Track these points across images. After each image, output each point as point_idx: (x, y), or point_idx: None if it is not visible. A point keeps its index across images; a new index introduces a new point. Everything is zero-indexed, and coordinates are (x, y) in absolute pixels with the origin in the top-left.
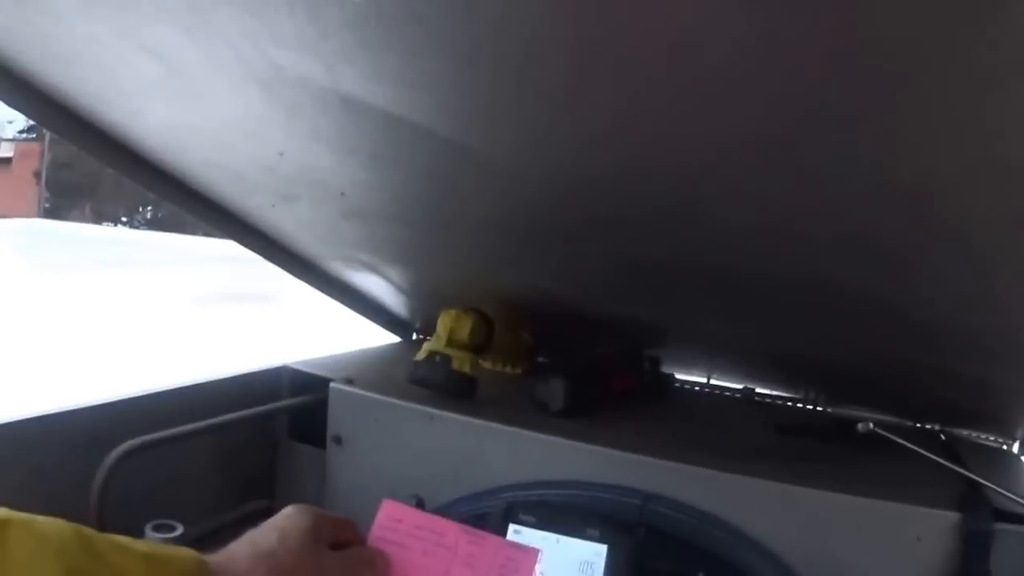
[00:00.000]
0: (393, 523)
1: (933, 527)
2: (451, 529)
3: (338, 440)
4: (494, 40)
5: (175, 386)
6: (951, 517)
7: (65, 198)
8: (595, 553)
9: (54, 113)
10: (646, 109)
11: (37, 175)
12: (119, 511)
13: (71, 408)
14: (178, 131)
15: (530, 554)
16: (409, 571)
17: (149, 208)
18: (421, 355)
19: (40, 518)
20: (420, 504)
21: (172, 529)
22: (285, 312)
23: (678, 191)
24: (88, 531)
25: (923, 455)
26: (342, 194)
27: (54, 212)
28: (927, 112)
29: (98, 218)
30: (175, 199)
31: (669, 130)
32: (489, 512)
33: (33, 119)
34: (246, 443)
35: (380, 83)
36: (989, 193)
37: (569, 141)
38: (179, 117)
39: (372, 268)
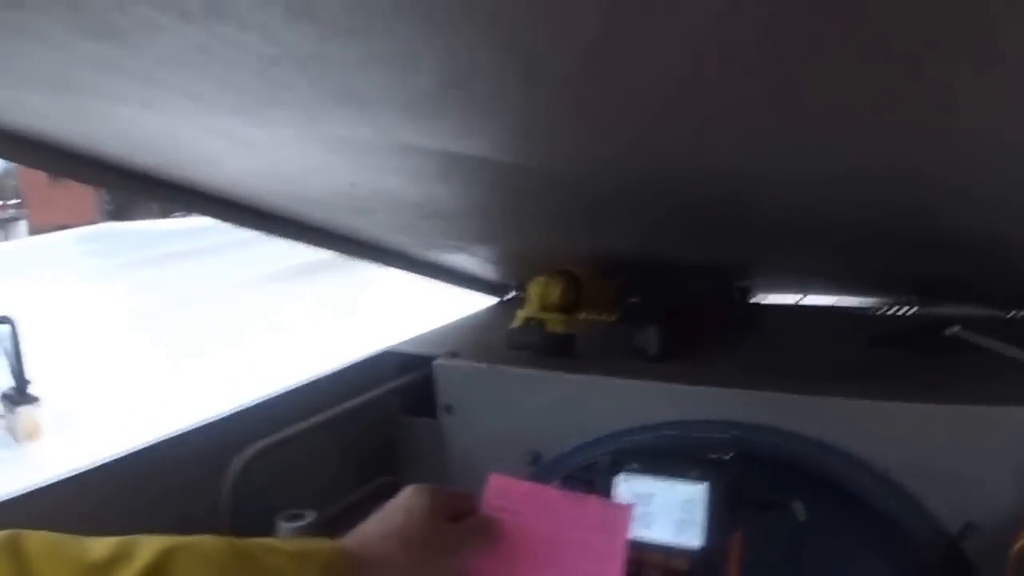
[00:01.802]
0: (500, 494)
1: None
2: (554, 496)
3: (449, 409)
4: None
5: (289, 388)
6: None
7: (126, 198)
8: (697, 492)
9: (126, 179)
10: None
11: None
12: (250, 511)
13: (195, 426)
14: (249, 177)
15: (626, 510)
16: (520, 536)
17: None
18: (517, 322)
19: (197, 538)
20: (536, 459)
21: (303, 517)
22: (361, 278)
23: (744, 133)
24: (238, 541)
25: (1013, 354)
26: (417, 204)
27: (117, 214)
28: None
29: (164, 211)
30: (252, 224)
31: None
32: (597, 462)
33: (111, 189)
34: (362, 428)
35: (435, 136)
36: None
37: (617, 134)
38: (252, 168)
39: (459, 249)
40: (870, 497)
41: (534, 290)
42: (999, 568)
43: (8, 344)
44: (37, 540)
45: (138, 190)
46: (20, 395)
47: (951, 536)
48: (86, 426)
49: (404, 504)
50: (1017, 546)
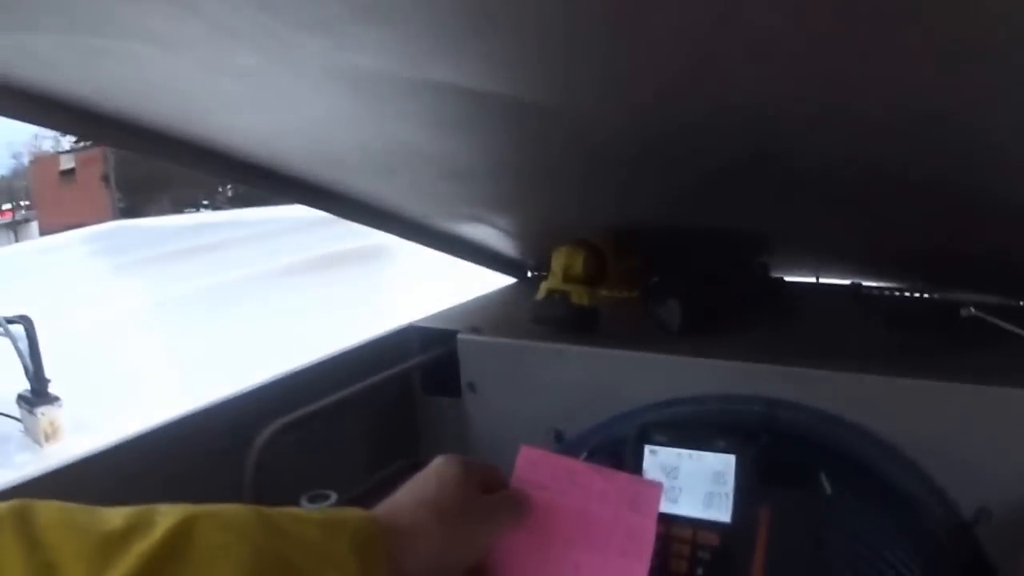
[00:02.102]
0: (531, 467)
1: None
2: (583, 469)
3: (472, 387)
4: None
5: (310, 364)
6: None
7: (139, 194)
8: (725, 463)
9: (143, 139)
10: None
11: (105, 179)
12: (273, 489)
13: (216, 402)
14: (269, 133)
15: (655, 488)
16: (550, 509)
17: (229, 186)
18: (540, 295)
19: (221, 506)
20: (559, 436)
21: (326, 498)
22: (383, 267)
23: (766, 93)
24: (264, 509)
25: None
26: (438, 161)
27: (130, 211)
28: None
29: (179, 207)
30: (276, 190)
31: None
32: (624, 436)
33: (120, 147)
34: (384, 405)
35: (460, 67)
36: None
37: (645, 75)
38: (268, 121)
39: (477, 219)
40: (889, 477)
41: (557, 261)
42: (1010, 554)
43: (24, 345)
44: (48, 510)
45: (152, 150)
46: (38, 396)
47: (965, 521)
48: (106, 425)
49: (436, 474)
50: None
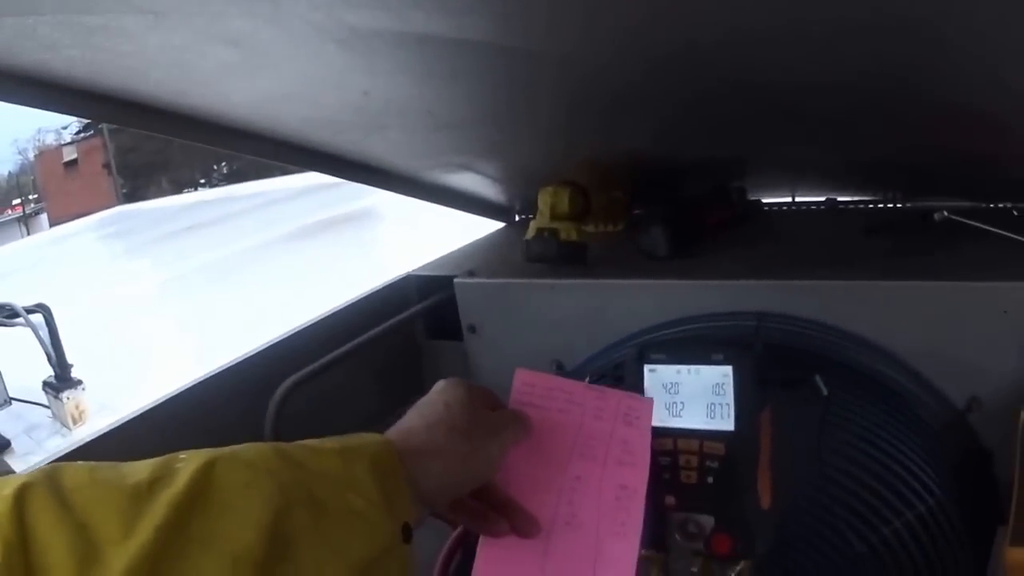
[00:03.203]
0: (528, 388)
1: (1018, 300)
2: (578, 387)
3: (472, 329)
4: None
5: (316, 319)
6: None
7: (139, 178)
8: (723, 374)
9: (138, 115)
10: None
11: (107, 166)
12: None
13: (231, 364)
14: (263, 100)
15: (646, 403)
16: (548, 426)
17: (224, 164)
18: (530, 234)
19: (239, 447)
20: (560, 368)
21: None
22: (373, 227)
23: (736, 20)
24: (282, 445)
25: (999, 234)
26: (429, 112)
27: (132, 196)
28: None
29: (177, 187)
30: (270, 155)
31: None
32: (623, 360)
33: (119, 124)
34: (391, 353)
35: (447, 17)
36: None
37: (620, 12)
38: (261, 88)
39: (467, 167)
40: (881, 376)
41: (543, 200)
42: (1003, 438)
43: (44, 332)
44: (75, 471)
45: (150, 125)
46: (62, 381)
47: (958, 410)
48: (131, 404)
49: (442, 396)
50: None
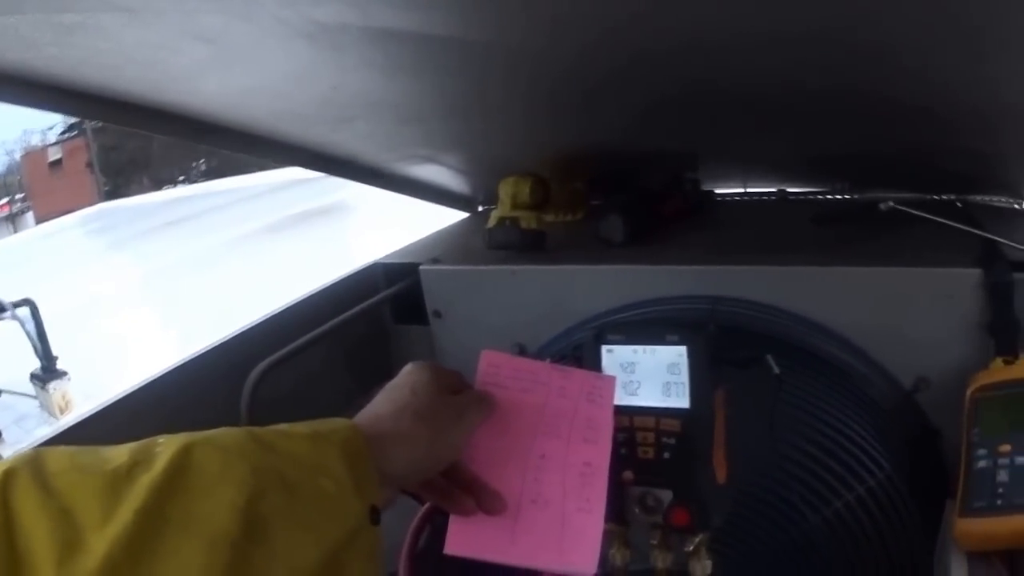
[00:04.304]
0: (494, 368)
1: (961, 284)
2: (542, 368)
3: (438, 314)
4: None
5: (288, 305)
6: (974, 273)
7: (120, 176)
8: (677, 354)
9: (117, 110)
10: None
11: (89, 165)
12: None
13: (206, 349)
14: (234, 95)
15: (609, 381)
16: (513, 406)
17: (202, 161)
18: (492, 223)
19: (215, 432)
20: (522, 351)
21: None
22: (344, 219)
23: (693, 21)
24: (256, 430)
25: (942, 223)
26: (395, 106)
27: (114, 193)
28: None
29: (157, 184)
30: (242, 148)
31: None
32: (582, 341)
33: (97, 120)
34: (360, 338)
35: (411, 12)
36: None
37: (580, 11)
38: (233, 83)
39: (432, 159)
40: (830, 357)
41: (504, 190)
42: (951, 417)
43: (31, 326)
44: (56, 456)
45: (124, 120)
46: (49, 372)
47: (906, 390)
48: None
49: (409, 380)
50: (970, 391)
